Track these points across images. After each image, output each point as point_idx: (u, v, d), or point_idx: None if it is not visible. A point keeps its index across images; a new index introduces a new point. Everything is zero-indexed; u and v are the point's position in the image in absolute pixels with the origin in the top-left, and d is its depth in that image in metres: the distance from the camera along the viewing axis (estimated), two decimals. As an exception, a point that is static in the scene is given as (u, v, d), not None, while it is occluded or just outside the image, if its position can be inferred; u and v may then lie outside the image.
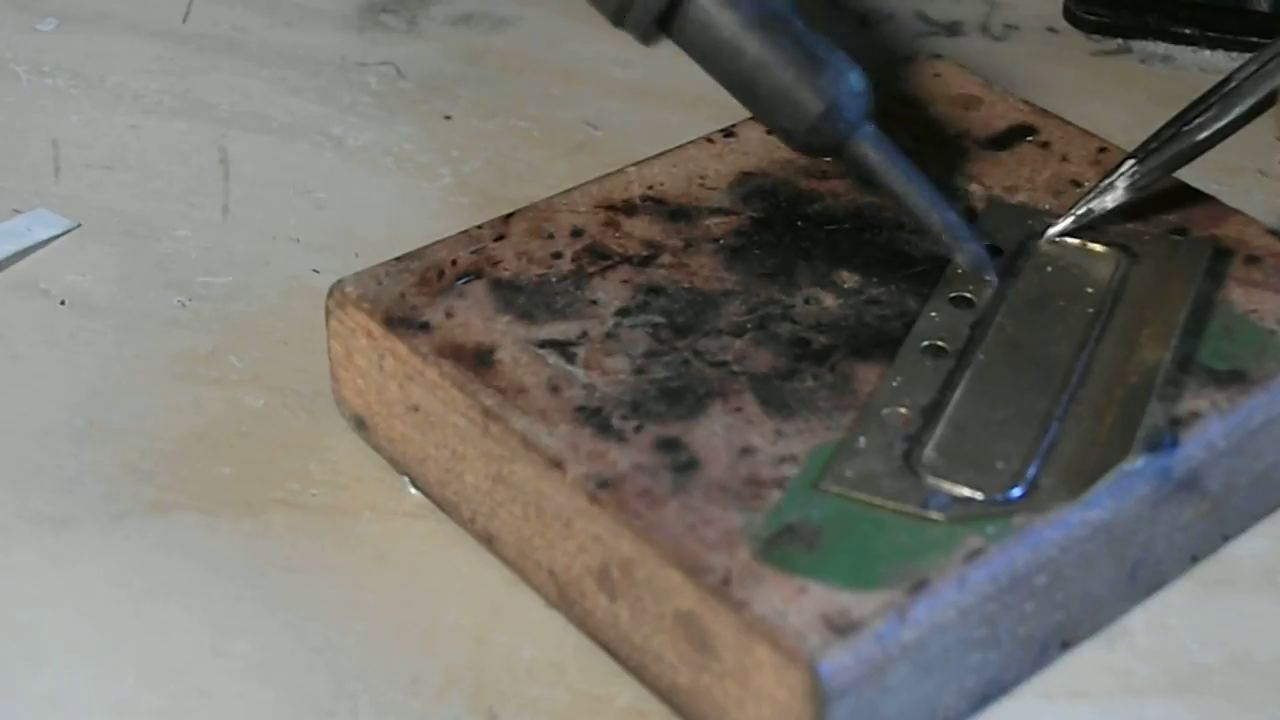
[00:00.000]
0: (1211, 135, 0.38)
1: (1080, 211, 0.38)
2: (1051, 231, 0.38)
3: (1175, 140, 0.38)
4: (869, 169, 0.37)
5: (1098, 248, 0.37)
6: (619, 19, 0.37)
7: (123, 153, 0.46)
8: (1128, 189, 0.38)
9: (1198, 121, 0.38)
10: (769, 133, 0.39)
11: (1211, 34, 0.51)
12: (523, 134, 0.47)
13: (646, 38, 0.37)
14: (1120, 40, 0.51)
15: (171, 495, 0.36)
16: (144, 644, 0.33)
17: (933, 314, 0.36)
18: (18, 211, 0.43)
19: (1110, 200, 0.38)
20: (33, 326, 0.40)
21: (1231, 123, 0.38)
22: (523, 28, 0.51)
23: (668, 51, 0.52)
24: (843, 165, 0.39)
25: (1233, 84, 0.38)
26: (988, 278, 0.36)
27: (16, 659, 0.33)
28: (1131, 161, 0.38)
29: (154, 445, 0.37)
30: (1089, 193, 0.38)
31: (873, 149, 0.37)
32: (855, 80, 0.37)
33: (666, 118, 0.44)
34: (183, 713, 0.32)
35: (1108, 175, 0.38)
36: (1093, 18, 0.51)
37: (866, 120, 0.37)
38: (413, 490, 0.36)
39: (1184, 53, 0.51)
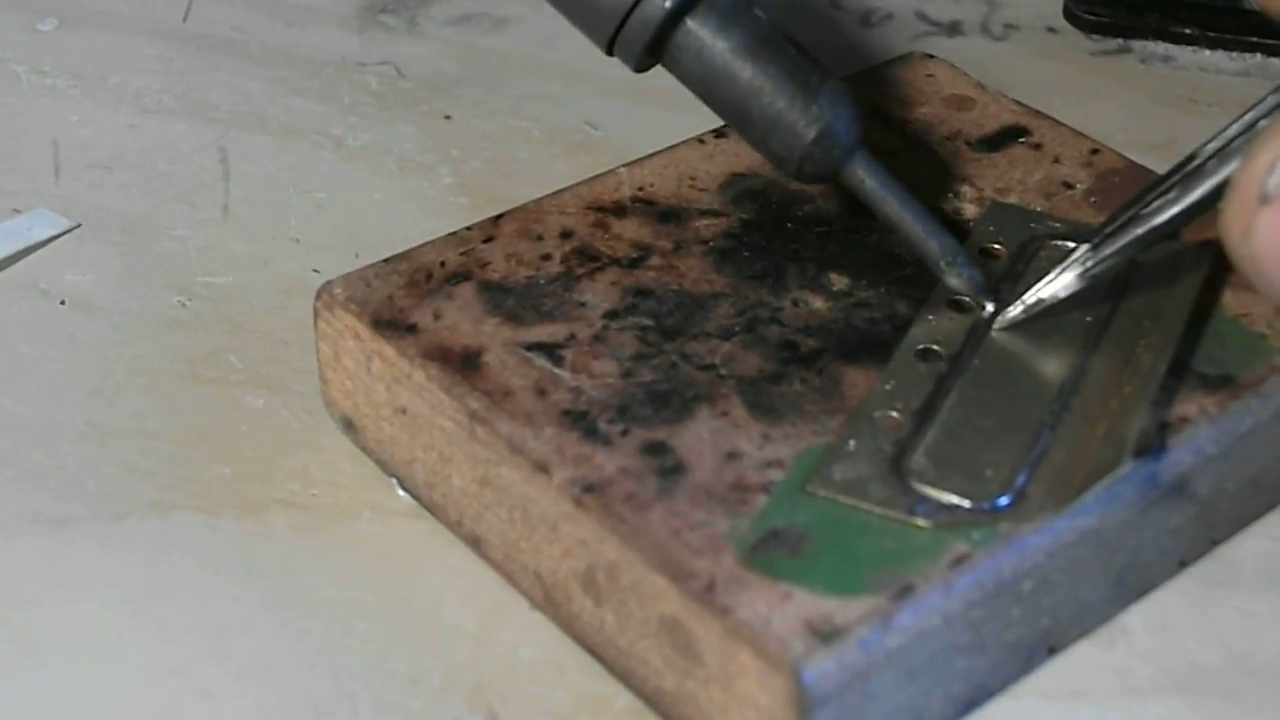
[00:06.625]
0: (1171, 218, 0.34)
1: (1030, 301, 0.35)
2: (1001, 320, 0.36)
3: (1132, 224, 0.34)
4: (864, 194, 0.37)
5: None
6: (609, 47, 0.37)
7: (123, 153, 0.46)
8: (1080, 276, 0.35)
9: (1156, 204, 0.34)
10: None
11: (1211, 34, 0.51)
12: (523, 134, 0.47)
13: (639, 65, 0.37)
14: (1120, 40, 0.51)
15: (171, 495, 0.36)
16: (144, 644, 0.33)
17: (929, 317, 0.36)
18: (18, 211, 0.43)
19: (1062, 289, 0.35)
20: (33, 326, 0.40)
21: (1193, 205, 0.34)
22: (523, 28, 0.51)
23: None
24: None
25: (1195, 161, 0.34)
26: (986, 304, 0.36)
27: (16, 659, 0.33)
28: (1085, 247, 0.35)
29: (154, 445, 0.37)
30: (1040, 280, 0.35)
31: (867, 174, 0.36)
32: (848, 106, 0.36)
33: (666, 118, 0.43)
34: (183, 713, 0.32)
35: (1061, 261, 0.35)
36: (1093, 18, 0.51)
37: (859, 145, 0.36)
38: (401, 492, 0.36)
39: (1184, 53, 0.51)
